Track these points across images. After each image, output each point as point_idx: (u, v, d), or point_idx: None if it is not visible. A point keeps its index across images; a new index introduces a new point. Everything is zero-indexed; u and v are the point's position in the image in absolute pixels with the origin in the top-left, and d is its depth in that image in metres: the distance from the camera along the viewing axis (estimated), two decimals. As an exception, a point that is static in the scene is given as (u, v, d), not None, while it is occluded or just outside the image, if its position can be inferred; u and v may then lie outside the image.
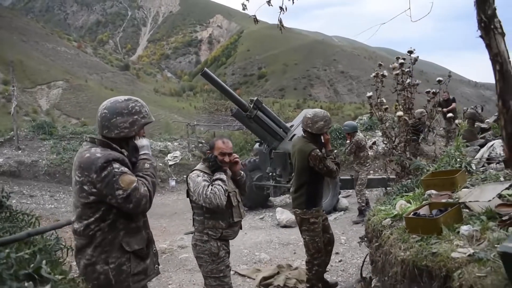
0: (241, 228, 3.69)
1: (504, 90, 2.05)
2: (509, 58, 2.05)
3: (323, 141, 4.40)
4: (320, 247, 4.46)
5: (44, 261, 1.96)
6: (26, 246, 2.38)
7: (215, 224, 3.42)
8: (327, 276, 5.41)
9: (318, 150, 4.26)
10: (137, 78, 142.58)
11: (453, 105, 11.14)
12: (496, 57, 2.03)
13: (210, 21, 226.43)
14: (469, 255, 2.41)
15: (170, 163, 14.51)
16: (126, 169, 2.28)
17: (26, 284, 1.59)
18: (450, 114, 6.86)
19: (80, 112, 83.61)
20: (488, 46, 2.04)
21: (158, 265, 2.64)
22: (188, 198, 3.54)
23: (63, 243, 3.23)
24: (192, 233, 3.71)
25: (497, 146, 4.58)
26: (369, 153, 8.42)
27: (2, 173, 12.25)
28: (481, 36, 2.06)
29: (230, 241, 3.63)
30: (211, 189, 3.24)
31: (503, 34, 2.02)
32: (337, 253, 6.34)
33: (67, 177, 13.54)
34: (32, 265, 1.95)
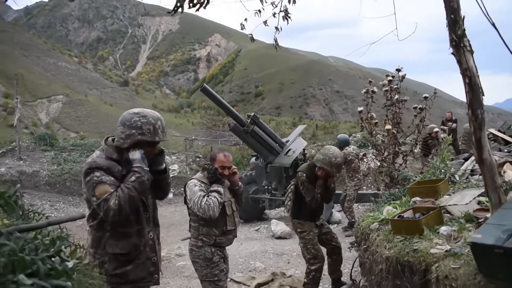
0: (235, 237, 3.78)
1: (473, 100, 2.34)
2: (477, 72, 2.35)
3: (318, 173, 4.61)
4: (315, 254, 4.65)
5: (63, 246, 2.20)
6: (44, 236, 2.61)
7: (209, 231, 3.55)
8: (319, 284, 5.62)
9: (305, 174, 4.57)
10: (136, 94, 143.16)
11: (453, 125, 11.65)
12: (466, 72, 2.32)
13: (208, 40, 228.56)
14: (446, 251, 2.68)
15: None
16: (106, 179, 2.42)
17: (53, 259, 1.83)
18: (436, 129, 7.18)
19: (79, 126, 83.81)
20: (459, 62, 2.34)
21: (157, 275, 2.70)
22: (185, 205, 3.70)
23: (72, 238, 3.49)
24: (188, 239, 3.87)
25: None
26: (360, 165, 8.31)
27: (4, 182, 12.40)
28: (452, 53, 2.36)
29: (226, 248, 3.76)
30: (206, 200, 3.39)
31: (471, 52, 2.32)
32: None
33: (67, 187, 13.75)
34: (52, 249, 2.18)
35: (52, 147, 16.09)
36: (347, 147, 8.36)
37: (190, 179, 3.70)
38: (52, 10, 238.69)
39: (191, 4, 2.32)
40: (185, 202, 3.66)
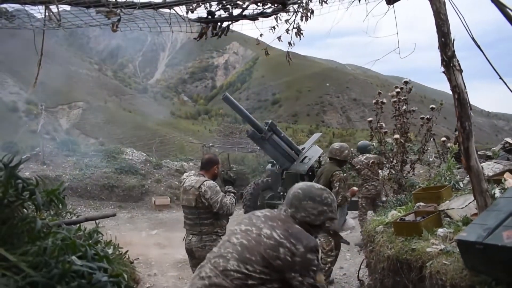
0: None
1: (462, 114, 2.64)
2: (465, 88, 2.64)
3: None
4: (332, 247, 5.27)
5: (99, 238, 2.55)
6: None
7: (222, 223, 4.14)
8: None
9: (342, 172, 5.14)
10: (154, 101, 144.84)
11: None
12: (455, 88, 2.62)
13: (226, 47, 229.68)
14: (440, 250, 2.96)
15: (186, 182, 15.09)
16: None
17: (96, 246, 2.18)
18: (443, 138, 7.34)
19: (99, 132, 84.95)
20: (449, 80, 2.64)
21: None
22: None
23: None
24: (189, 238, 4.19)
25: (485, 167, 5.08)
26: (371, 175, 7.94)
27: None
28: (443, 72, 2.66)
29: None
30: (229, 199, 4.07)
31: (460, 71, 2.62)
32: (341, 268, 6.73)
33: (88, 191, 14.21)
34: (91, 240, 2.54)
35: (74, 153, 16.63)
36: (361, 155, 8.32)
37: (202, 181, 4.06)
38: (74, 18, 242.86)
39: (214, 32, 2.67)
40: (196, 203, 4.02)
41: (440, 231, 3.27)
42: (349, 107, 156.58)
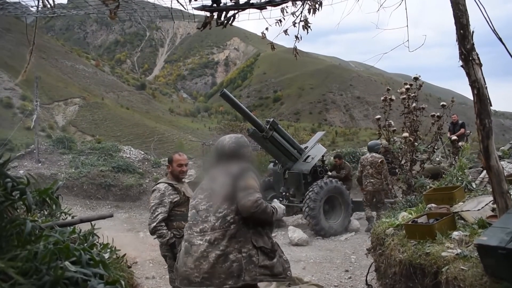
0: None
1: (481, 110, 2.47)
2: (485, 84, 2.48)
3: None
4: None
5: (95, 241, 2.38)
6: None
7: (179, 225, 3.88)
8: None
9: None
10: (153, 97, 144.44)
11: (461, 130, 11.34)
12: (474, 83, 2.45)
13: (227, 43, 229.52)
14: (456, 254, 2.80)
15: (185, 181, 14.91)
16: None
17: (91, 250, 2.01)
18: (454, 137, 7.21)
19: (95, 129, 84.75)
20: (468, 74, 2.47)
21: (289, 272, 2.73)
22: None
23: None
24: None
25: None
26: (372, 173, 8.85)
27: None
28: (462, 66, 2.49)
29: None
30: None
31: (480, 65, 2.45)
32: (346, 271, 6.54)
33: (84, 190, 13.97)
34: (85, 243, 2.37)
35: (70, 150, 16.34)
36: (368, 153, 9.16)
37: (158, 182, 4.06)
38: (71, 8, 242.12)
39: (218, 22, 2.50)
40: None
41: (455, 234, 3.11)
42: (352, 105, 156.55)
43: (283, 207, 2.88)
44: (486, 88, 2.46)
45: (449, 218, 3.36)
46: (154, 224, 3.74)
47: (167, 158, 4.32)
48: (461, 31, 2.50)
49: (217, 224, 2.51)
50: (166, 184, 3.94)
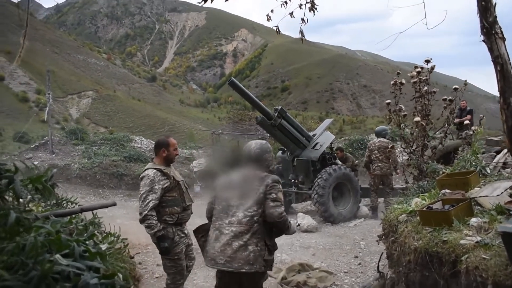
0: (192, 212, 4.16)
1: (505, 88, 2.28)
2: (509, 59, 2.29)
3: None
4: None
5: (96, 231, 2.28)
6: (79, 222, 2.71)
7: (172, 210, 3.84)
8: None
9: None
10: (163, 89, 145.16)
11: (468, 116, 11.10)
12: (498, 59, 2.27)
13: (235, 35, 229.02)
14: (476, 242, 2.63)
15: (195, 169, 14.89)
16: None
17: (87, 242, 1.90)
18: (467, 122, 7.00)
19: (108, 121, 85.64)
20: (490, 49, 2.28)
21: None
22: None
23: (103, 227, 3.64)
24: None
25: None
26: (378, 157, 9.16)
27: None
28: (483, 41, 2.30)
29: None
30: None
31: (503, 39, 2.26)
32: (356, 257, 6.48)
33: (97, 180, 14.08)
34: (86, 234, 2.27)
35: (83, 141, 16.49)
36: (376, 138, 9.54)
37: (146, 168, 3.91)
38: (81, 7, 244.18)
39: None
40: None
41: (474, 221, 2.95)
42: (359, 94, 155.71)
43: (295, 225, 3.40)
44: (511, 64, 2.27)
45: (466, 204, 3.19)
46: (145, 212, 3.62)
47: (157, 143, 4.11)
48: (483, 3, 2.31)
49: (245, 220, 3.03)
50: (155, 170, 3.79)
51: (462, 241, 2.70)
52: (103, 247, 1.89)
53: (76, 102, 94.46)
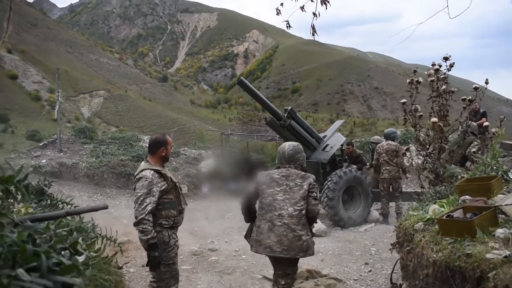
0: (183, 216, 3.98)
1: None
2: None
3: None
4: None
5: (80, 238, 2.05)
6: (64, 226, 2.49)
7: (169, 213, 3.64)
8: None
9: None
10: (174, 89, 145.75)
11: (483, 119, 10.74)
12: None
13: (246, 36, 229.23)
14: (505, 257, 2.35)
15: (204, 170, 14.68)
16: None
17: (62, 252, 1.67)
18: (486, 123, 6.69)
19: (120, 121, 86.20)
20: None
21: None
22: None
23: (99, 230, 3.40)
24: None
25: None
26: (385, 160, 9.05)
27: (44, 173, 12.68)
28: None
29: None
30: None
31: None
32: (366, 264, 6.24)
33: (105, 179, 13.92)
34: (68, 240, 2.04)
35: (91, 140, 16.36)
36: (384, 141, 9.37)
37: (142, 169, 3.62)
38: (94, 8, 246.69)
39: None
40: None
41: (500, 232, 2.66)
42: (370, 96, 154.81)
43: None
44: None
45: (490, 213, 2.91)
46: (142, 216, 3.37)
47: (155, 141, 3.80)
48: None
49: (295, 213, 3.54)
50: (153, 171, 3.54)
51: (488, 255, 2.42)
52: (82, 258, 1.65)
53: (88, 101, 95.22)
